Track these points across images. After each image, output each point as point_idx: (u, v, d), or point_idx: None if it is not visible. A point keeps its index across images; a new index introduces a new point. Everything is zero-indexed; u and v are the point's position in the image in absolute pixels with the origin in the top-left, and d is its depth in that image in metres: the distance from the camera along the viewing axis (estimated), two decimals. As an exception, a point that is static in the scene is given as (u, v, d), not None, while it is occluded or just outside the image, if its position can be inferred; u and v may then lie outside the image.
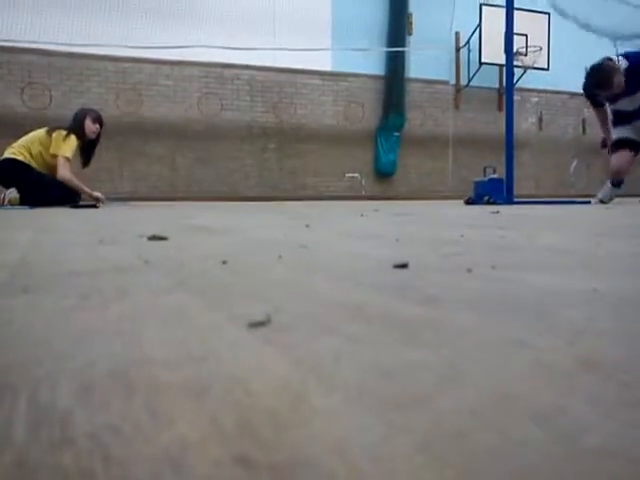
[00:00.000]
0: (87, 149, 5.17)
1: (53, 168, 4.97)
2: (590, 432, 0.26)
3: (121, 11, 7.48)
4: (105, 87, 7.71)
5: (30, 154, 4.91)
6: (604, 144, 5.16)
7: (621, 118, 4.99)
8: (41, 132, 5.01)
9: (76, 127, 5.03)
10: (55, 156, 4.91)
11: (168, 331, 0.46)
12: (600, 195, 5.11)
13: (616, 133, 5.07)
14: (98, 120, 5.12)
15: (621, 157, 4.99)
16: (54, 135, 4.92)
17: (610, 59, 4.69)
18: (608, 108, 5.02)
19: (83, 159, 5.22)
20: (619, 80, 4.58)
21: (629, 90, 4.69)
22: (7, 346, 0.43)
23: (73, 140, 4.95)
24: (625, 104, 4.86)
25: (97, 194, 5.04)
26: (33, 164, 4.90)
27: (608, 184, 5.11)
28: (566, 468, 0.22)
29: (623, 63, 4.64)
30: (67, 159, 4.91)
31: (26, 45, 7.12)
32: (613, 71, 4.57)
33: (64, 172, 4.88)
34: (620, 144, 5.02)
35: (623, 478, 0.22)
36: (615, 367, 0.36)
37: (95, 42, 7.22)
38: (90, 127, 5.05)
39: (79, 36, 7.21)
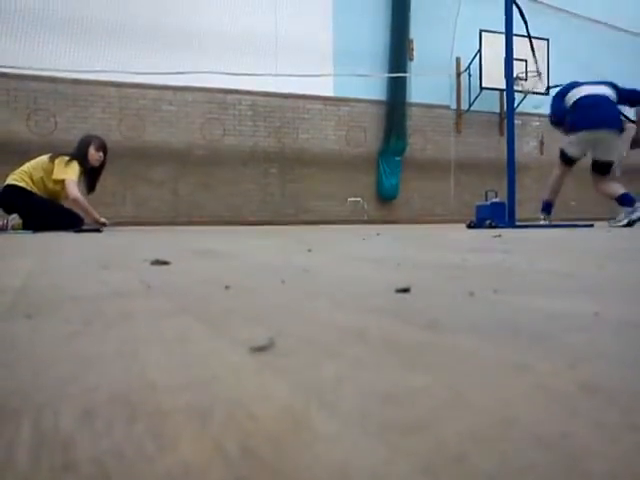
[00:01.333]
0: (91, 176, 5.19)
1: (54, 194, 4.99)
2: (593, 457, 0.26)
3: (124, 38, 7.59)
4: (109, 113, 7.78)
5: (31, 180, 4.93)
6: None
7: None
8: (44, 158, 5.03)
9: (79, 154, 5.05)
10: (58, 181, 4.92)
11: (170, 356, 0.47)
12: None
13: None
14: (102, 148, 5.14)
15: None
16: (56, 161, 4.95)
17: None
18: None
19: (88, 185, 5.24)
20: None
21: None
22: (10, 371, 0.43)
23: (76, 166, 4.97)
24: None
25: (103, 220, 5.05)
26: (34, 190, 4.92)
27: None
28: (568, 492, 0.22)
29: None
30: (74, 182, 4.92)
31: (32, 72, 7.21)
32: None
33: (75, 193, 4.88)
34: None
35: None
36: (617, 391, 0.35)
37: (99, 69, 7.31)
38: (93, 155, 5.08)
39: (83, 63, 7.31)
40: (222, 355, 0.47)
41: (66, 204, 5.04)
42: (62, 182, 4.93)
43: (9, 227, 4.81)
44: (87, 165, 5.06)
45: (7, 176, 5.00)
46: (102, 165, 5.21)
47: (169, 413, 0.32)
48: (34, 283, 1.02)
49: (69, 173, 4.91)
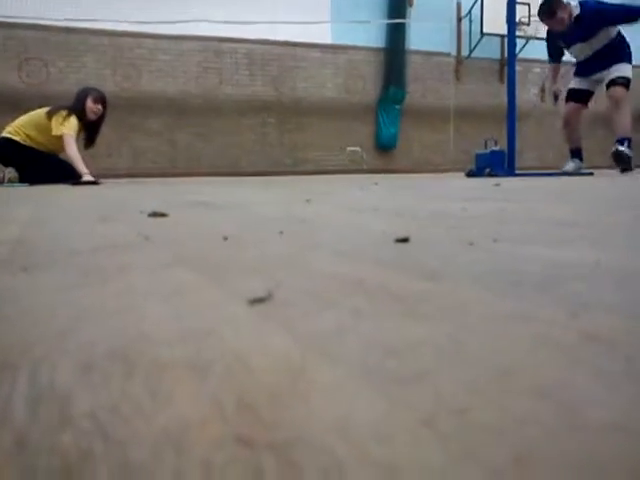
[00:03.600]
0: (90, 130, 5.10)
1: (52, 149, 4.93)
2: (594, 406, 0.25)
3: (117, -16, 7.39)
4: (103, 62, 7.64)
5: (27, 135, 4.87)
6: (555, 97, 5.46)
7: (578, 68, 5.35)
8: (41, 114, 4.92)
9: (77, 107, 4.96)
10: (56, 137, 4.84)
11: (168, 308, 0.46)
12: (566, 168, 5.34)
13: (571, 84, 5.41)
14: (100, 100, 5.04)
15: (567, 108, 5.37)
16: (54, 117, 4.86)
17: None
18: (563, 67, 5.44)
19: (86, 140, 5.16)
20: (562, 16, 4.89)
21: (579, 36, 5.02)
22: (7, 325, 0.43)
23: (73, 120, 4.89)
24: (577, 51, 5.20)
25: (87, 177, 4.90)
26: (30, 144, 4.86)
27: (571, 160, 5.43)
28: (569, 443, 0.22)
29: (576, 9, 4.94)
30: (72, 137, 4.85)
31: (22, 20, 7.04)
32: (557, 5, 4.90)
33: (71, 150, 4.80)
34: (569, 96, 5.38)
35: (628, 453, 0.21)
36: (619, 340, 0.35)
37: (92, 17, 7.14)
38: (91, 107, 4.98)
39: (76, 11, 7.14)
40: (220, 307, 0.46)
41: (62, 156, 4.97)
42: (60, 137, 4.85)
43: (5, 180, 4.77)
44: (85, 118, 4.97)
45: (2, 128, 4.94)
46: (101, 118, 5.12)
47: (166, 367, 0.32)
48: (31, 236, 1.02)
49: (67, 127, 4.83)
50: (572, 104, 5.29)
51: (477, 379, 0.29)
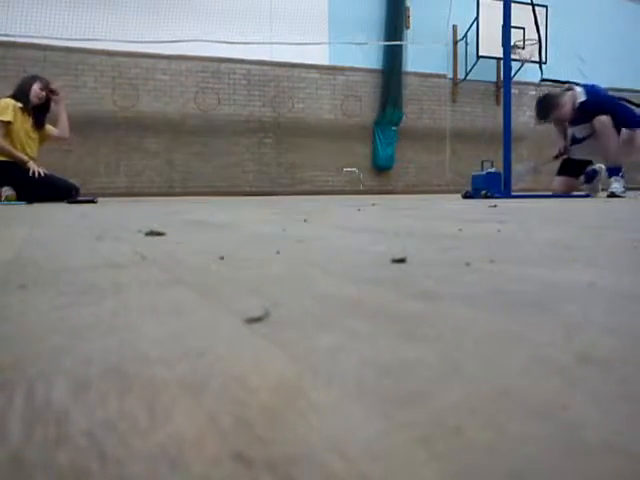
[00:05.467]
0: (36, 113, 5.05)
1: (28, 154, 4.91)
2: (590, 428, 0.25)
3: (117, 5, 7.45)
4: (101, 82, 7.68)
5: None
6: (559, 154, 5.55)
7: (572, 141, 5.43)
8: None
9: (20, 90, 4.95)
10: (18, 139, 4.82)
11: (165, 327, 0.46)
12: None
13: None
14: (46, 88, 5.02)
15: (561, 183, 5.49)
16: None
17: (569, 89, 5.14)
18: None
19: (33, 121, 5.08)
20: (559, 113, 5.11)
21: (579, 121, 5.12)
22: (3, 343, 0.43)
23: (7, 100, 4.86)
24: (576, 131, 5.29)
25: (30, 164, 4.86)
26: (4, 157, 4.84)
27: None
28: (565, 464, 0.22)
29: (581, 96, 5.01)
30: None
31: (21, 40, 7.09)
32: (555, 105, 5.10)
33: None
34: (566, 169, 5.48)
35: (624, 475, 0.21)
36: (613, 361, 0.35)
37: (91, 36, 7.20)
38: (37, 92, 4.95)
39: (75, 30, 7.18)
40: (217, 326, 0.46)
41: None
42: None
43: (3, 198, 4.77)
44: (28, 101, 4.92)
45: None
46: (48, 103, 5.07)
47: (163, 385, 0.32)
48: (28, 254, 1.02)
49: None
50: (563, 178, 5.44)
51: (473, 399, 0.29)
